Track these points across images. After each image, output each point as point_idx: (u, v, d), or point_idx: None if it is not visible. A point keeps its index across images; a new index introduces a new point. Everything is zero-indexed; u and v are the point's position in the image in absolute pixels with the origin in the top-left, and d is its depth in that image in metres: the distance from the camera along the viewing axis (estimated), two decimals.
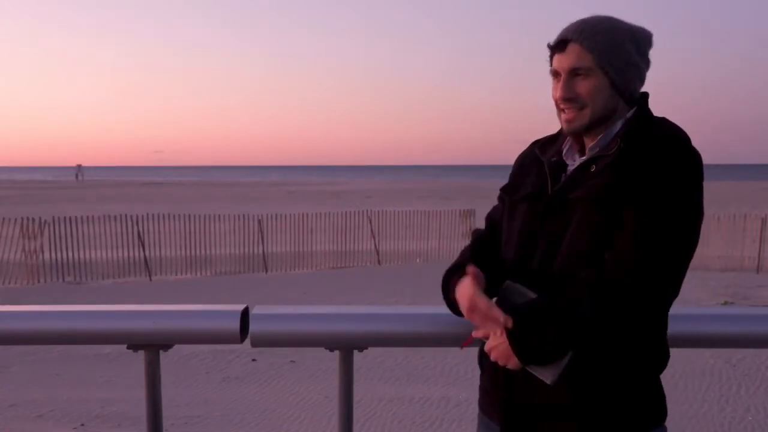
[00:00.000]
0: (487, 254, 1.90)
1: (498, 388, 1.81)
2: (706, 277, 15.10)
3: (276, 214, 18.40)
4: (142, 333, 2.06)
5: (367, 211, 19.53)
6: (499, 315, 1.68)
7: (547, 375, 1.68)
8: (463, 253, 1.96)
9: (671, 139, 1.70)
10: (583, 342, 1.66)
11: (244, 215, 18.02)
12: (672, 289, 1.66)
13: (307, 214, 18.68)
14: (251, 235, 17.70)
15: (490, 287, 1.79)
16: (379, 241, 18.89)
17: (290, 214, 18.60)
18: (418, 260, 18.80)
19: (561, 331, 1.64)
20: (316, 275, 16.90)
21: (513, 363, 1.70)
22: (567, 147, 1.86)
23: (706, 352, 8.36)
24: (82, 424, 6.41)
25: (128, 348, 2.10)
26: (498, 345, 1.71)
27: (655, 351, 1.76)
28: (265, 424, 6.51)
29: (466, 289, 1.75)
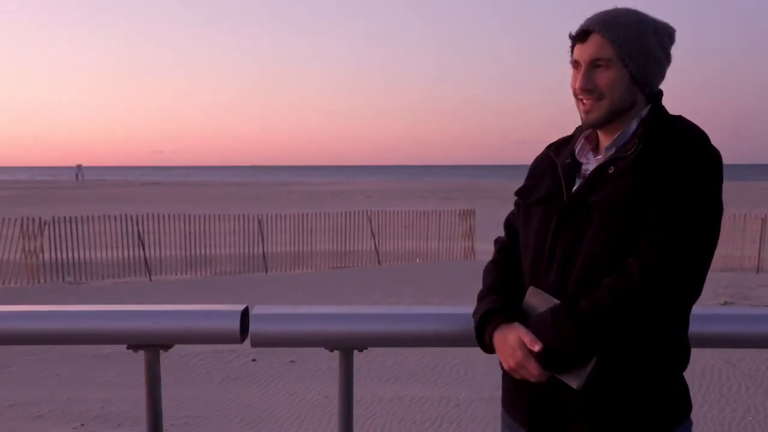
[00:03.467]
0: (513, 266, 1.89)
1: (522, 390, 1.80)
2: (706, 277, 15.07)
3: (276, 214, 18.39)
4: (142, 333, 2.06)
5: (367, 211, 19.52)
6: (535, 369, 1.70)
7: (573, 381, 1.68)
8: (490, 270, 1.94)
9: (691, 139, 1.69)
10: (608, 347, 1.66)
11: (244, 215, 18.00)
12: (695, 290, 1.67)
13: (307, 214, 18.67)
14: (251, 235, 17.68)
15: (520, 300, 1.80)
16: (379, 241, 18.88)
17: (290, 214, 18.60)
18: (418, 260, 18.79)
19: (585, 339, 1.64)
20: (316, 275, 16.88)
21: (539, 377, 1.71)
22: (580, 146, 1.84)
23: (706, 352, 8.35)
24: (82, 424, 6.41)
25: (128, 348, 2.10)
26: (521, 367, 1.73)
27: (678, 349, 1.76)
28: (265, 424, 6.51)
29: (516, 351, 1.73)
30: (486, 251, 19.29)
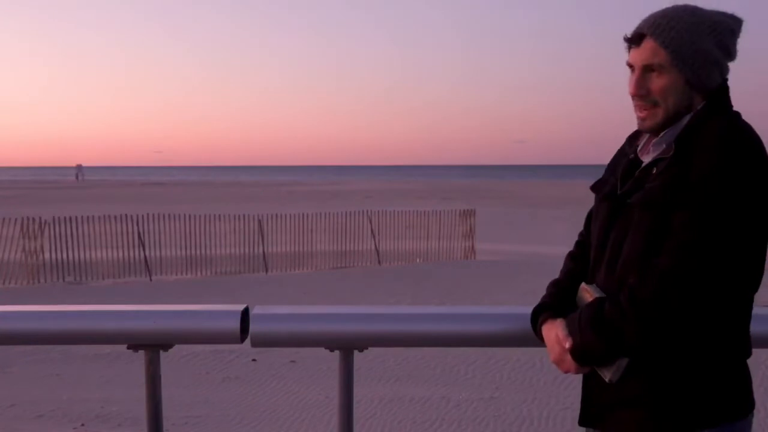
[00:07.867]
0: (585, 260, 1.91)
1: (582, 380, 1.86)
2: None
3: (276, 214, 18.39)
4: (142, 333, 2.07)
5: (367, 211, 19.52)
6: (571, 364, 1.75)
7: (606, 373, 1.72)
8: (564, 263, 1.97)
9: (720, 143, 1.61)
10: (636, 348, 1.65)
11: (244, 215, 18.01)
12: (722, 291, 1.60)
13: (307, 214, 18.68)
14: (251, 235, 17.69)
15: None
16: (379, 241, 18.88)
17: (290, 214, 18.60)
18: (418, 260, 18.80)
19: (605, 343, 1.66)
20: (316, 275, 16.89)
21: (577, 371, 1.76)
22: (643, 142, 1.81)
23: None
24: (82, 424, 6.41)
25: (128, 348, 2.10)
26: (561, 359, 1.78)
27: (733, 340, 1.69)
28: (265, 424, 6.51)
29: (555, 346, 1.79)
30: (486, 251, 19.36)
